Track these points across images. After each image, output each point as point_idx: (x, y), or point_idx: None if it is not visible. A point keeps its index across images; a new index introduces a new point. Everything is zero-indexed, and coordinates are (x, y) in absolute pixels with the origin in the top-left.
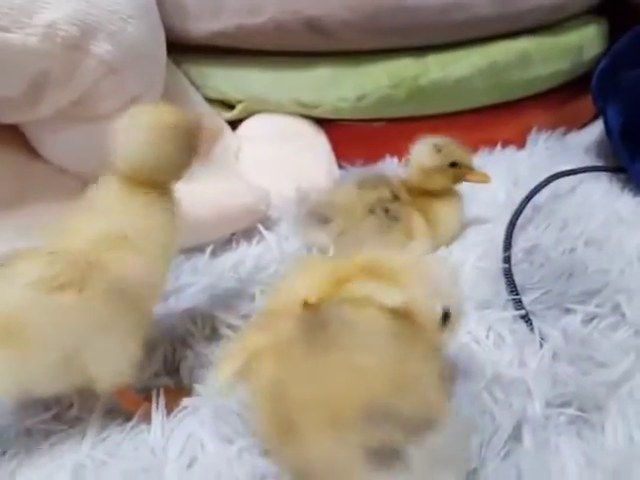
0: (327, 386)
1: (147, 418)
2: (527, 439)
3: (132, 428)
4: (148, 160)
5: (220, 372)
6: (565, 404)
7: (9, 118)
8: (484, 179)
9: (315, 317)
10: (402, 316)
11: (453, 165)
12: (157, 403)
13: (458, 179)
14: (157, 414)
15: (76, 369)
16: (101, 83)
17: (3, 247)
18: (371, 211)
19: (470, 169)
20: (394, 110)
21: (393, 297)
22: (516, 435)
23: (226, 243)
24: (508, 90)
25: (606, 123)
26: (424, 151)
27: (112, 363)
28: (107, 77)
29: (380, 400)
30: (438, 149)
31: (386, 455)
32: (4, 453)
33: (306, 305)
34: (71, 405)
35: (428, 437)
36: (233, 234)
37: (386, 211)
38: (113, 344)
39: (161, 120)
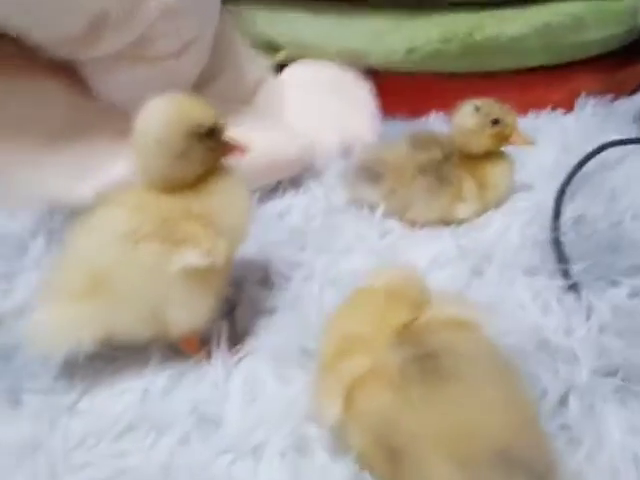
0: (453, 420)
1: (209, 357)
2: (573, 405)
3: (194, 362)
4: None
5: (327, 412)
6: (610, 374)
7: (67, 54)
8: (528, 142)
9: (419, 345)
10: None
11: (495, 123)
12: (218, 342)
13: (501, 140)
14: (218, 352)
15: (158, 317)
16: (158, 24)
17: (58, 183)
18: (422, 171)
19: (513, 129)
20: (444, 65)
21: (481, 317)
22: (563, 401)
23: (272, 191)
24: (560, 52)
25: None
26: (465, 112)
27: (191, 312)
28: (165, 18)
29: (514, 446)
30: (477, 108)
31: None
32: (73, 375)
33: (403, 331)
34: None
35: None
36: (279, 182)
37: (437, 172)
38: (194, 294)
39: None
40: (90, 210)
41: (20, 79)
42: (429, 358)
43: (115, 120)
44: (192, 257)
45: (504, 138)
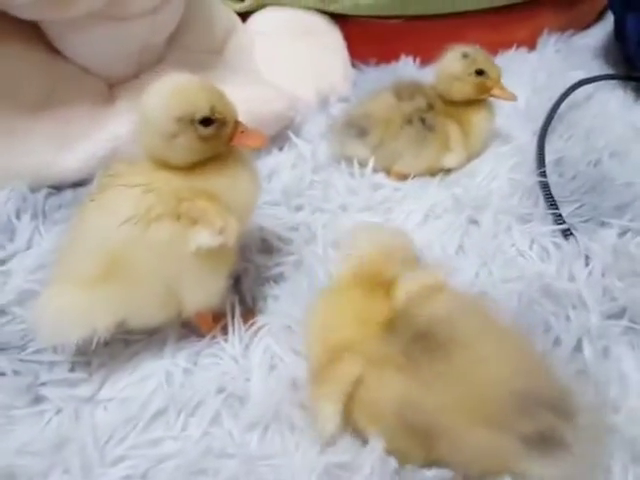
0: (467, 385)
1: (224, 332)
2: (588, 350)
3: (208, 339)
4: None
5: (324, 419)
6: (617, 316)
7: (39, 15)
8: (510, 97)
9: (410, 326)
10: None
11: (479, 73)
12: (232, 317)
13: (483, 91)
14: (233, 327)
15: (173, 298)
16: None
17: (39, 156)
18: (409, 121)
19: (496, 82)
20: (414, 8)
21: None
22: (577, 346)
23: (254, 149)
24: None
25: (622, 30)
26: (451, 58)
27: (206, 290)
28: None
29: (529, 387)
30: (465, 55)
31: (546, 441)
32: (89, 363)
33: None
34: None
35: (577, 418)
36: None
37: (423, 121)
38: (207, 272)
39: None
40: (97, 190)
41: None
42: (425, 335)
43: (92, 85)
44: (206, 237)
45: (485, 89)
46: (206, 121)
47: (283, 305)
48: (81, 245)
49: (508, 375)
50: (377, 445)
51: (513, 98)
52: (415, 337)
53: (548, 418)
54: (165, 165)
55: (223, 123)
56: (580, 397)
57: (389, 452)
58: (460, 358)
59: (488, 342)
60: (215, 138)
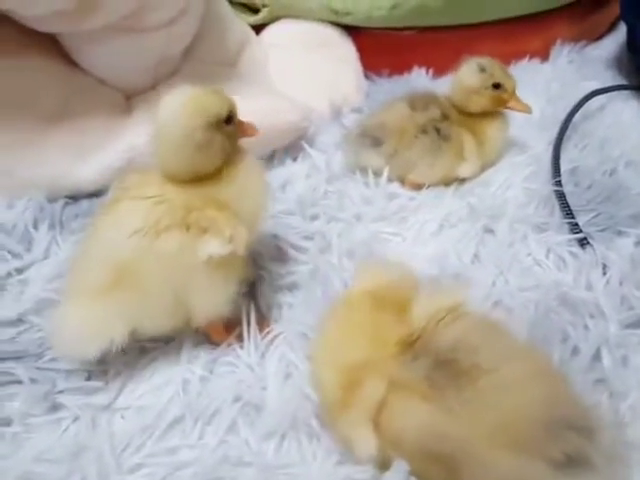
0: (495, 411)
1: (239, 340)
2: (607, 359)
3: (224, 347)
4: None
5: (362, 447)
6: (635, 325)
7: (57, 28)
8: (526, 109)
9: (431, 351)
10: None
11: (496, 87)
12: (248, 325)
13: (499, 103)
14: (249, 334)
15: (183, 307)
16: None
17: (57, 165)
18: (423, 131)
19: (512, 94)
20: (427, 19)
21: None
22: (596, 356)
23: (268, 160)
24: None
25: (634, 41)
26: (468, 70)
27: (215, 299)
28: None
29: (555, 410)
30: (482, 68)
31: (572, 463)
32: (106, 372)
33: (407, 344)
34: None
35: (601, 437)
36: (274, 151)
37: (437, 131)
38: (216, 281)
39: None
40: (110, 202)
41: (11, 60)
42: (449, 362)
43: (109, 97)
44: (215, 246)
45: (502, 102)
46: (229, 119)
47: (298, 313)
48: (92, 256)
49: (535, 400)
50: (399, 466)
51: (528, 110)
52: (438, 363)
53: (573, 439)
54: (182, 180)
55: (236, 116)
56: (599, 413)
57: (409, 474)
58: (486, 384)
59: (513, 366)
60: (235, 134)
